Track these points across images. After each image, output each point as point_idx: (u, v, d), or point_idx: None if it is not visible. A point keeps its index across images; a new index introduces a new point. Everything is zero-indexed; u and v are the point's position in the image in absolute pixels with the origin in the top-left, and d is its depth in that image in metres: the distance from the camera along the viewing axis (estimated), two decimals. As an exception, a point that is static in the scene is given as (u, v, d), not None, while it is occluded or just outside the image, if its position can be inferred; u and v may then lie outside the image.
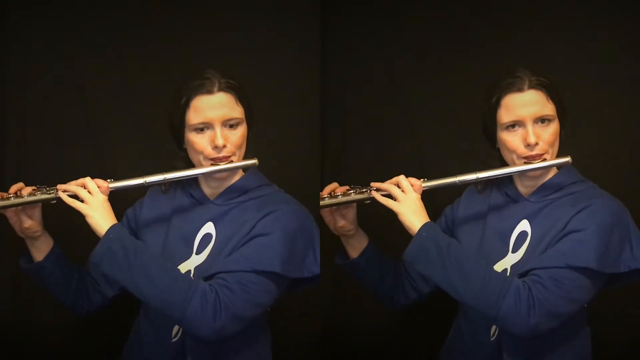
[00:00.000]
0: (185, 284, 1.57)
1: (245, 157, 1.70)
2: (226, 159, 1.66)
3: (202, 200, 1.73)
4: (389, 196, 1.67)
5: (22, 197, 1.64)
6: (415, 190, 1.66)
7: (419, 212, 1.63)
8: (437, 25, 2.16)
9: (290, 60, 2.13)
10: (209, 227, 1.69)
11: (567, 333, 1.63)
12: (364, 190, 1.71)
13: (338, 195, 1.72)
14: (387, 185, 1.68)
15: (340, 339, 2.17)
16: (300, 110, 2.14)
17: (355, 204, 1.75)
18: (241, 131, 1.67)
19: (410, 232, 1.62)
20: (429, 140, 2.18)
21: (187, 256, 1.68)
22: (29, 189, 1.65)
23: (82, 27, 2.11)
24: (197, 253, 1.67)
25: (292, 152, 2.13)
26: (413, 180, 1.68)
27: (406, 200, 1.64)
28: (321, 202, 1.72)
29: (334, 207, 1.74)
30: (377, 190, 1.69)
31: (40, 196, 1.64)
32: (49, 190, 1.65)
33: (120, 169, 2.08)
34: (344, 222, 1.76)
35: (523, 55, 2.08)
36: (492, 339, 1.67)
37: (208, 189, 1.74)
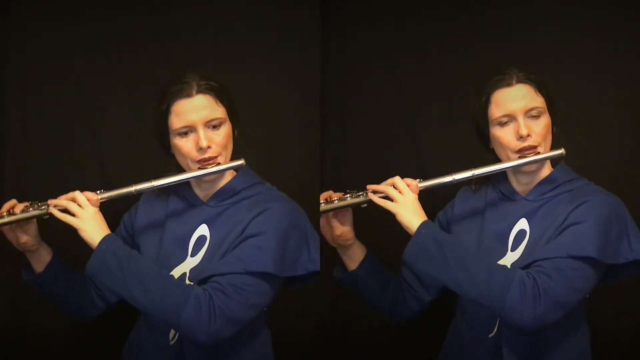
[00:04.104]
0: (179, 290, 1.57)
1: (236, 156, 1.70)
2: (212, 159, 1.66)
3: (195, 202, 1.74)
4: (387, 198, 1.67)
5: (15, 214, 1.67)
6: (412, 191, 1.67)
7: (417, 212, 1.64)
8: (437, 25, 2.16)
9: (290, 61, 2.13)
10: (203, 229, 1.70)
11: (566, 329, 1.64)
12: (360, 193, 1.71)
13: (334, 200, 1.72)
14: (384, 187, 1.68)
15: (339, 340, 2.17)
16: (300, 110, 2.13)
17: (351, 211, 1.75)
18: (225, 131, 1.68)
19: (409, 231, 1.62)
20: (429, 140, 2.17)
21: (183, 259, 1.68)
22: (21, 206, 1.68)
23: (82, 27, 2.11)
24: (192, 255, 1.68)
25: (291, 152, 2.12)
26: (409, 180, 1.69)
27: (404, 200, 1.65)
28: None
29: (331, 214, 1.74)
30: (374, 192, 1.69)
31: (32, 212, 1.67)
32: (40, 206, 1.67)
33: (121, 169, 2.08)
34: (342, 229, 1.76)
35: (523, 55, 2.08)
36: (491, 334, 1.67)
37: (200, 192, 1.75)
